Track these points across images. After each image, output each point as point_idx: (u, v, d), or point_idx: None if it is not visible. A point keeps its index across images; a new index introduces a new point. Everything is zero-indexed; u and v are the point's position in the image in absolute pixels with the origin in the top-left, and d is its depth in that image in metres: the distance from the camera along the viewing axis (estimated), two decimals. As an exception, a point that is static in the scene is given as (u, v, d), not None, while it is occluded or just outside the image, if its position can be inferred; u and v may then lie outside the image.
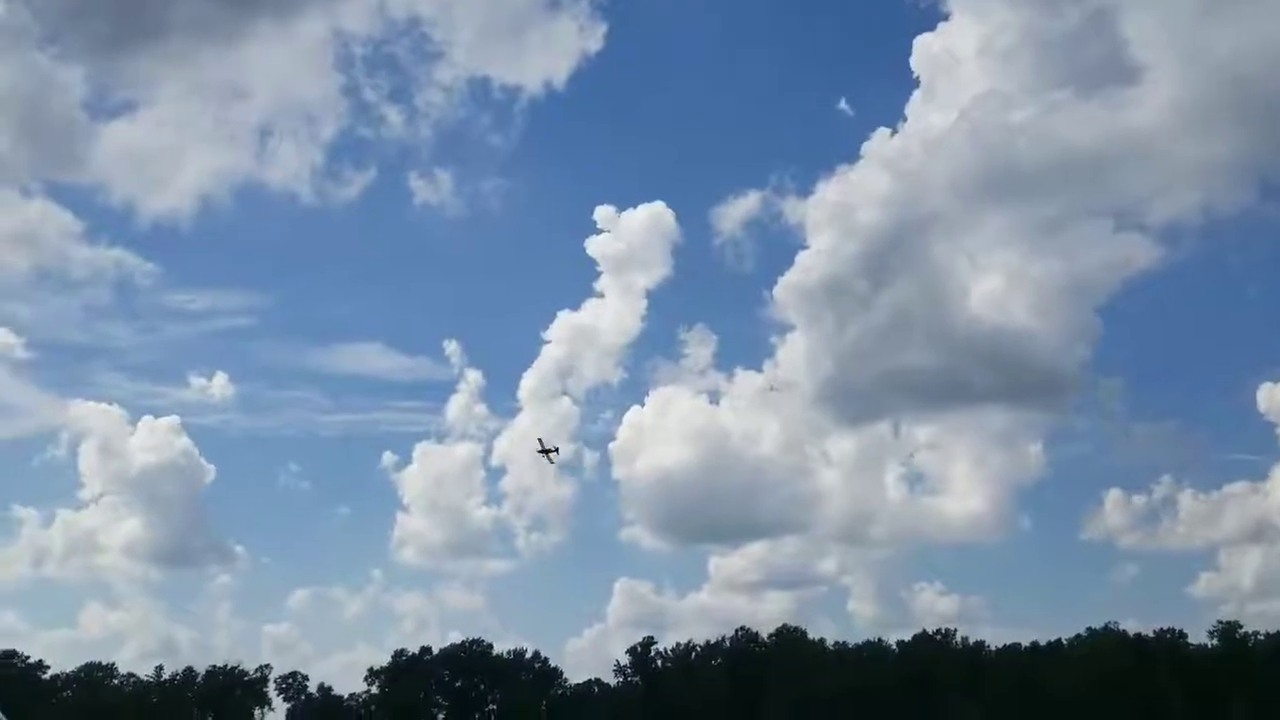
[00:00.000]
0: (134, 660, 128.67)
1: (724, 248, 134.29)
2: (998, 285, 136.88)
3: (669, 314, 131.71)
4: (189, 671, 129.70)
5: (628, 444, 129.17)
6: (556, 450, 67.99)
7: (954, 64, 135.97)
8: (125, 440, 61.33)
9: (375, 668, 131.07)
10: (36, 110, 58.62)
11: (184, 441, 63.61)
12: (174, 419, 64.34)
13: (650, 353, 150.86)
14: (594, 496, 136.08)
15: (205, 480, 67.71)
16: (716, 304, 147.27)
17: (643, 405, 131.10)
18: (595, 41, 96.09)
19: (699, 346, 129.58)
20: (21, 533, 62.40)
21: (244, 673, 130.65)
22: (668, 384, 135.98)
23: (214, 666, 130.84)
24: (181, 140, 75.85)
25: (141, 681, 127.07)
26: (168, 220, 75.22)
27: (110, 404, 64.79)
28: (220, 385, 73.20)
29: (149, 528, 62.74)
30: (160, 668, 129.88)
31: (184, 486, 63.80)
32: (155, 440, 62.47)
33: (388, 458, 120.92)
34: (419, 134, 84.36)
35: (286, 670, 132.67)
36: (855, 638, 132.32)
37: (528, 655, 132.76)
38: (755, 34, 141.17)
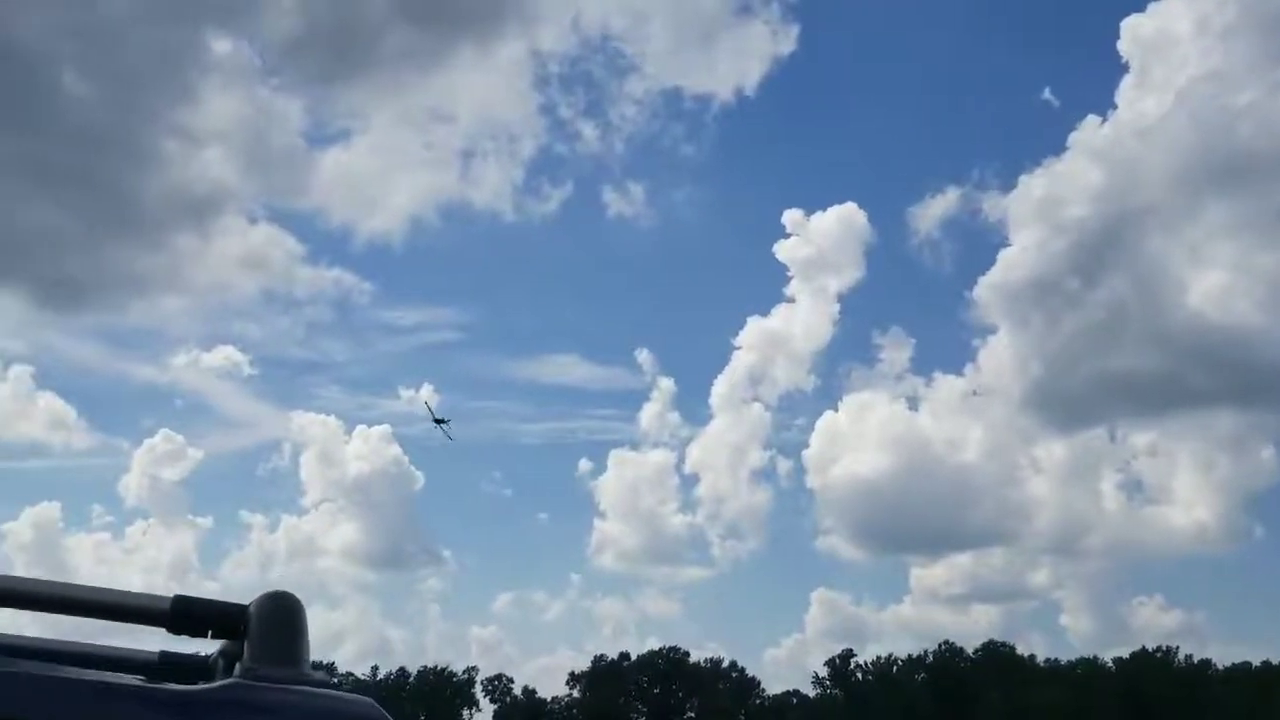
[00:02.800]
0: (352, 659, 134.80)
1: (920, 248, 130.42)
2: (1221, 279, 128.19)
3: (863, 317, 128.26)
4: (402, 671, 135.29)
5: (822, 451, 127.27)
6: (448, 421, 60.71)
7: (1168, 45, 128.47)
8: (341, 449, 64.26)
9: (576, 672, 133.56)
10: (260, 141, 61.43)
11: (394, 450, 66.27)
12: (385, 428, 66.89)
13: (844, 357, 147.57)
14: (788, 505, 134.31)
15: (415, 487, 70.09)
16: (913, 306, 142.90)
17: (837, 411, 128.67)
18: (787, 44, 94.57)
19: (895, 350, 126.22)
20: (250, 538, 65.62)
21: (452, 674, 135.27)
22: (863, 389, 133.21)
23: (425, 667, 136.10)
24: (392, 164, 78.83)
25: (359, 680, 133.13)
26: (381, 240, 78.32)
27: (328, 415, 67.75)
28: (427, 396, 75.35)
29: (364, 532, 65.39)
30: (375, 667, 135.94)
31: (395, 493, 66.12)
32: (369, 449, 65.17)
33: (584, 465, 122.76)
34: (612, 148, 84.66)
35: (492, 672, 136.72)
36: (1068, 654, 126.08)
37: (725, 664, 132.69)
38: (951, 25, 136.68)
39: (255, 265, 66.39)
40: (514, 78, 65.40)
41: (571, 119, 68.46)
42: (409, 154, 68.05)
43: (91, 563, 51.00)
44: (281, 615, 1.85)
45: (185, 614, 1.92)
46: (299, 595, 1.91)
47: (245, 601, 1.92)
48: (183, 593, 1.92)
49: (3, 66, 47.01)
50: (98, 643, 2.40)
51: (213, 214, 61.01)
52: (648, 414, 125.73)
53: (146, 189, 52.35)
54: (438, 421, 55.90)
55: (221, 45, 57.44)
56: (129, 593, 1.94)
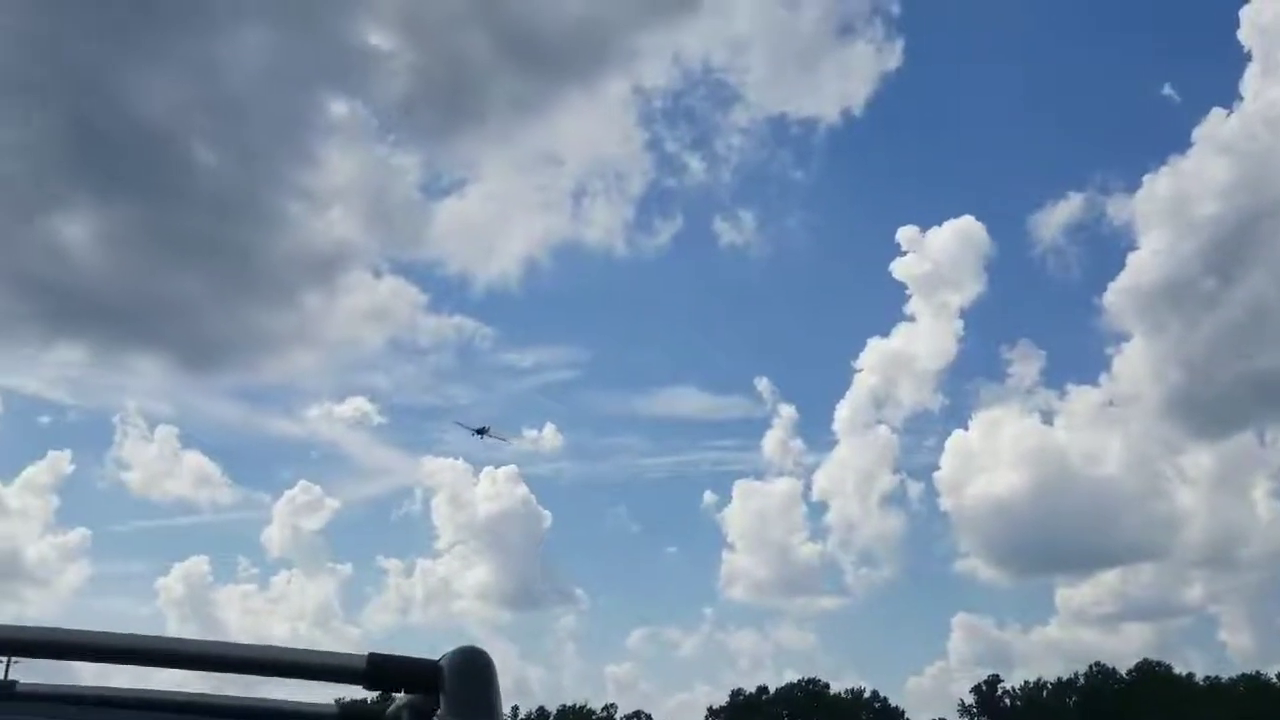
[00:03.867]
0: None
1: (1044, 256, 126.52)
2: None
3: (988, 332, 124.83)
4: (541, 711, 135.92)
5: (954, 471, 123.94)
6: (486, 430, 55.23)
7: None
8: (470, 491, 64.87)
9: (714, 707, 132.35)
10: (380, 197, 63.54)
11: (522, 490, 66.57)
12: (511, 469, 67.24)
13: (970, 374, 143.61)
14: (922, 528, 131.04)
15: (544, 526, 70.23)
16: (1040, 317, 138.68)
17: (967, 430, 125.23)
18: (893, 59, 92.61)
19: (1025, 363, 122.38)
20: (388, 583, 66.85)
21: (591, 711, 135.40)
22: (993, 406, 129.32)
23: (564, 706, 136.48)
24: (506, 210, 79.79)
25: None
26: (499, 285, 79.33)
27: (456, 459, 68.69)
28: (550, 435, 75.79)
29: (497, 573, 65.91)
30: (516, 708, 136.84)
31: (525, 533, 66.46)
32: (496, 490, 65.65)
33: (709, 497, 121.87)
34: (720, 178, 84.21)
35: (630, 709, 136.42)
36: (1229, 671, 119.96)
37: (866, 694, 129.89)
38: (1061, 25, 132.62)
39: (381, 317, 67.75)
40: (619, 116, 65.91)
41: (678, 152, 68.44)
42: (521, 199, 68.90)
43: (239, 614, 52.68)
44: (475, 670, 1.97)
45: (380, 671, 2.00)
46: (438, 637, 2.00)
47: (435, 657, 2.02)
48: (375, 650, 2.01)
49: (139, 144, 49.52)
50: (275, 697, 2.46)
51: (338, 270, 62.86)
52: (770, 442, 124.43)
53: (275, 251, 54.42)
54: (479, 432, 54.14)
55: (339, 108, 59.46)
56: (325, 652, 2.02)
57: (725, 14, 65.19)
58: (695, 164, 68.03)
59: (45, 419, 54.41)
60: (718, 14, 68.62)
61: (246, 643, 2.00)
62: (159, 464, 55.57)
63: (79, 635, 1.92)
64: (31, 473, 50.12)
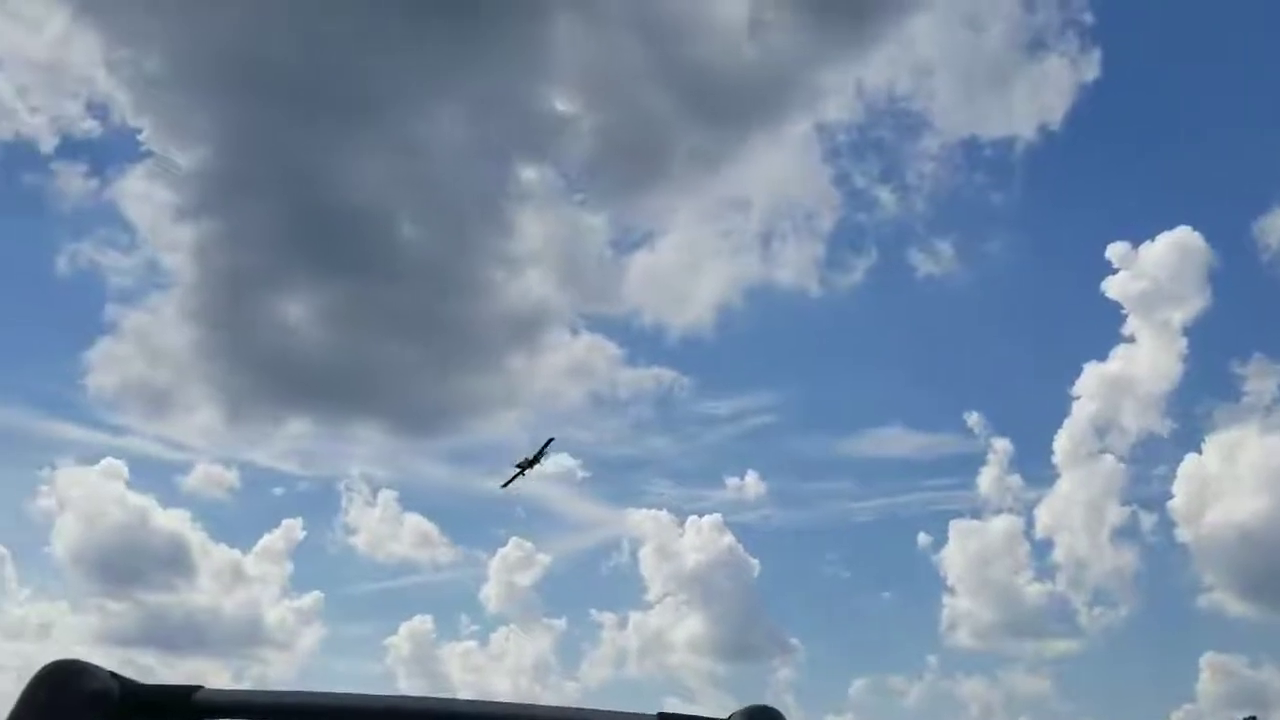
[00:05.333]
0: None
1: (1272, 264, 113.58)
2: None
3: (1216, 348, 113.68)
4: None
5: (1190, 499, 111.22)
6: (535, 461, 49.64)
7: None
8: (677, 542, 62.72)
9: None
10: (572, 255, 63.22)
11: (728, 539, 63.87)
12: (716, 518, 64.60)
13: (1200, 394, 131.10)
14: (1159, 562, 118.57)
15: (753, 575, 67.13)
16: (1273, 329, 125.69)
17: (1200, 454, 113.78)
18: (1091, 70, 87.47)
19: (1261, 379, 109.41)
20: (603, 636, 64.58)
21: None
22: (1228, 427, 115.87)
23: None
24: (695, 259, 78.12)
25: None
26: (693, 334, 77.35)
27: (660, 510, 66.72)
28: (753, 483, 72.76)
29: (708, 624, 62.91)
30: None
31: (734, 582, 63.40)
32: (702, 540, 63.01)
33: (923, 539, 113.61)
34: (914, 208, 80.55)
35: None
36: None
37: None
38: (1271, 17, 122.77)
39: (580, 373, 66.38)
40: (804, 155, 64.37)
41: (867, 186, 66.27)
42: (710, 246, 67.41)
43: (462, 670, 52.31)
44: None
45: None
46: (656, 690, 2.14)
47: (722, 715, 2.08)
48: (665, 711, 2.12)
49: (350, 225, 53.16)
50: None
51: (538, 331, 63.29)
52: (986, 479, 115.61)
53: (480, 316, 56.31)
54: (527, 465, 50.07)
55: (529, 174, 60.56)
56: (615, 712, 2.10)
57: (906, 41, 63.57)
58: (885, 196, 65.72)
59: (278, 490, 56.43)
60: (898, 42, 66.26)
61: (540, 704, 2.11)
62: (382, 527, 55.94)
63: (367, 700, 2.03)
64: (268, 540, 51.12)
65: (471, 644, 58.60)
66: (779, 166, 71.65)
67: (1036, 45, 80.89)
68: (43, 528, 51.75)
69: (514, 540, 60.02)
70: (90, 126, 52.49)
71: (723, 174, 78.88)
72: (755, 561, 72.16)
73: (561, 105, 65.60)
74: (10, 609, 45.78)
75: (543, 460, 47.46)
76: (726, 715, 2.03)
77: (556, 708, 2.05)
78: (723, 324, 75.39)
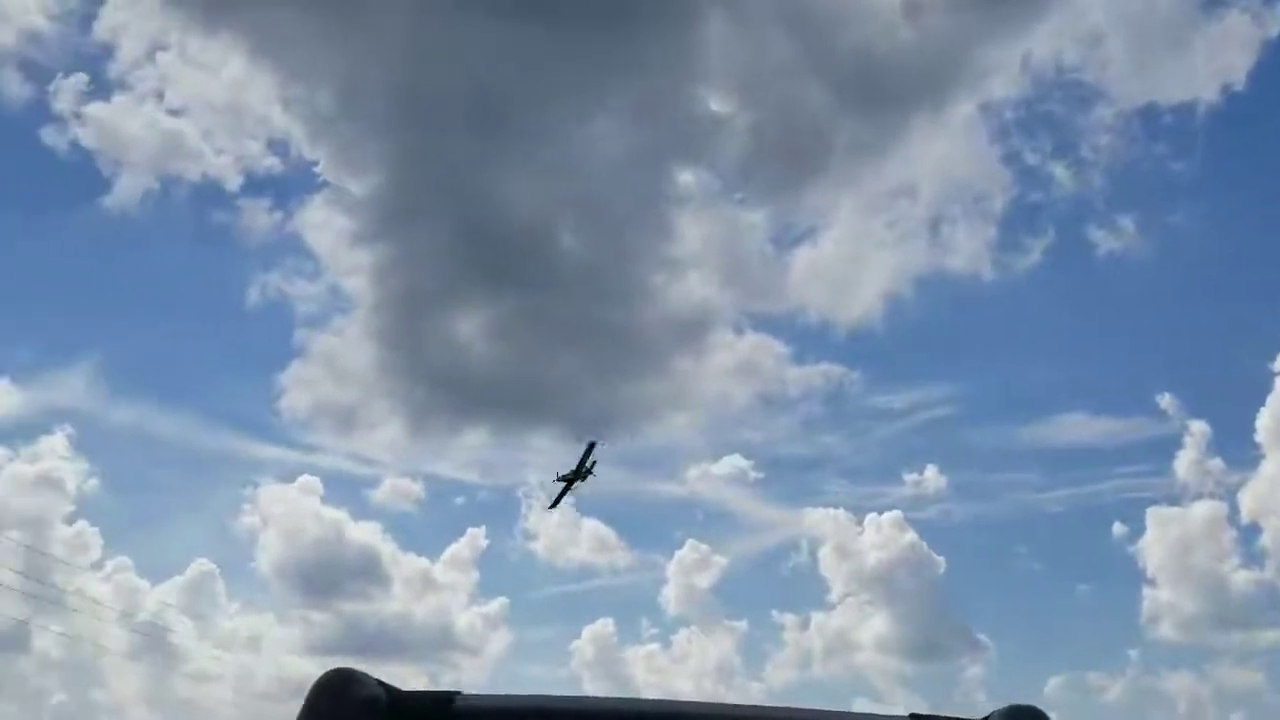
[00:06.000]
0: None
1: None
2: None
3: None
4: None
5: None
6: (582, 471, 43.19)
7: None
8: (856, 541, 61.89)
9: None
10: (733, 254, 63.30)
11: (910, 536, 62.63)
12: (896, 515, 63.40)
13: None
14: None
15: (938, 572, 65.59)
16: None
17: None
18: (1276, 24, 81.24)
19: None
20: (785, 638, 64.58)
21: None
22: None
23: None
24: (860, 251, 76.50)
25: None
26: (862, 328, 75.84)
27: (837, 509, 65.98)
28: (933, 477, 70.88)
29: (893, 623, 61.91)
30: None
31: (918, 580, 62.24)
32: (883, 538, 62.03)
33: (1118, 528, 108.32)
34: (1090, 183, 76.85)
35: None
36: None
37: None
38: None
39: (747, 373, 66.55)
40: (970, 136, 62.67)
41: (1039, 163, 63.82)
42: (875, 237, 66.21)
43: (647, 673, 53.51)
44: None
45: None
46: (839, 690, 2.12)
47: (975, 717, 2.07)
48: (917, 712, 2.09)
49: (515, 241, 55.39)
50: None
51: (703, 333, 63.71)
52: (1183, 464, 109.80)
53: (643, 322, 57.08)
54: (577, 475, 44.70)
55: (686, 176, 61.04)
56: (867, 714, 2.07)
57: (1074, 10, 61.24)
58: (1059, 172, 63.29)
59: (460, 500, 59.14)
60: (1065, 12, 63.99)
61: (790, 706, 2.05)
62: (561, 533, 57.52)
63: (619, 704, 2.03)
64: (454, 549, 53.50)
65: (654, 647, 58.88)
66: (944, 150, 69.43)
67: (1214, 2, 76.59)
68: (248, 544, 54.44)
69: (690, 543, 60.15)
70: (271, 163, 55.11)
71: (885, 162, 76.79)
72: (940, 558, 70.12)
73: (716, 105, 65.18)
74: (222, 622, 48.32)
75: (590, 467, 45.58)
76: (981, 717, 1.98)
77: (811, 710, 2.04)
78: (892, 315, 73.44)
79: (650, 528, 78.39)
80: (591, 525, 59.33)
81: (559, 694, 2.02)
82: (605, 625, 56.94)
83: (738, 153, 62.41)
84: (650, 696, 2.01)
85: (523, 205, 56.16)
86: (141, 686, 47.55)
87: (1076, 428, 78.45)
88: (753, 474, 63.49)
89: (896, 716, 2.00)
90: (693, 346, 69.68)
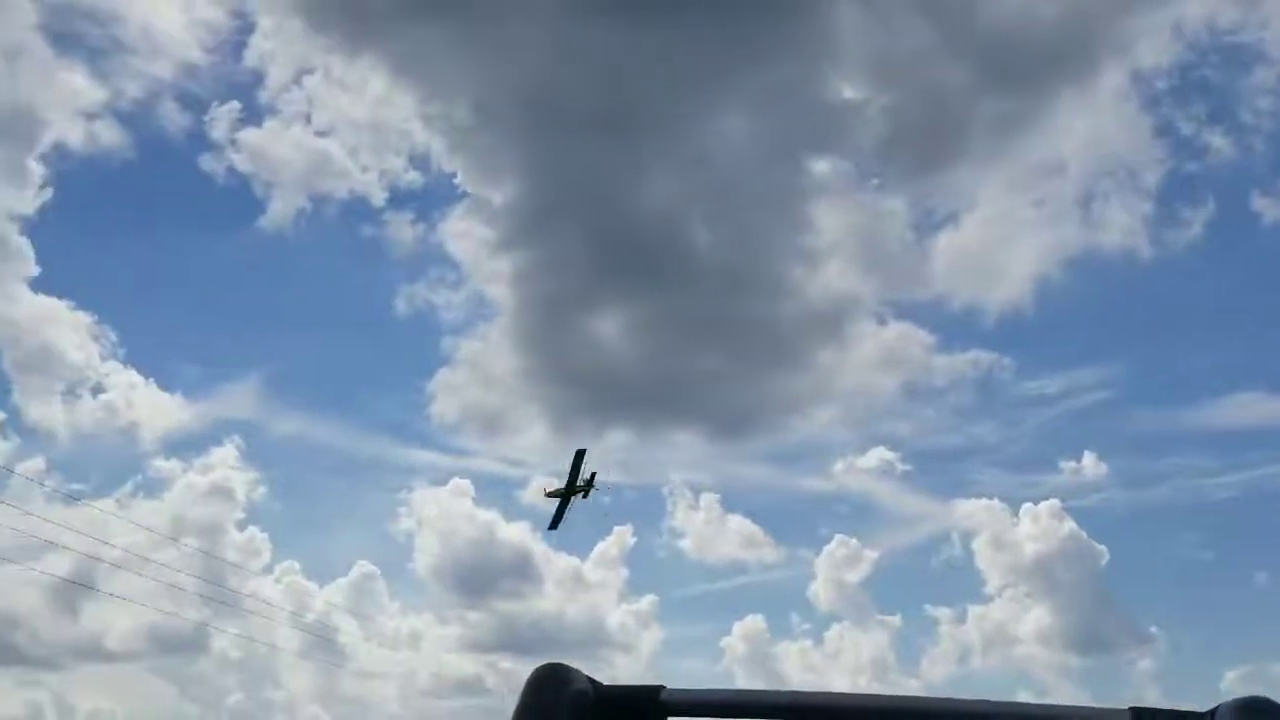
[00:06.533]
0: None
1: None
2: None
3: None
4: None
5: None
6: (575, 486, 41.33)
7: None
8: (1012, 531, 60.65)
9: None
10: (872, 243, 62.55)
11: (1069, 526, 60.94)
12: (1053, 504, 61.87)
13: None
14: None
15: (1100, 562, 63.51)
16: None
17: None
18: None
19: None
20: (940, 631, 63.73)
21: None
22: None
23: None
24: (1006, 233, 74.62)
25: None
26: (1010, 312, 73.90)
27: (990, 499, 64.68)
28: (1091, 464, 68.56)
29: (1055, 615, 60.40)
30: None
31: (1080, 570, 60.49)
32: (1040, 528, 60.61)
33: None
34: (1251, 150, 73.11)
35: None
36: None
37: None
38: None
39: (892, 363, 66.03)
40: (1119, 108, 60.50)
41: (1195, 132, 60.99)
42: (1022, 218, 64.64)
43: (800, 669, 54.07)
44: None
45: None
46: (1000, 684, 2.08)
47: (1201, 709, 1.99)
48: (1136, 705, 2.05)
49: (648, 240, 56.63)
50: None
51: (845, 324, 63.13)
52: None
53: (783, 316, 57.53)
54: (574, 488, 36.53)
55: (820, 165, 61.19)
56: (1086, 707, 2.06)
57: None
58: (1218, 140, 60.45)
59: (606, 498, 60.74)
60: None
61: (1007, 700, 2.03)
62: (708, 530, 58.84)
63: (827, 698, 1.99)
64: (603, 548, 54.84)
65: (806, 643, 58.36)
66: (1093, 123, 66.72)
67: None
68: (405, 546, 56.96)
69: (838, 537, 59.45)
70: (412, 177, 57.42)
71: (1029, 140, 74.50)
72: (1102, 548, 67.51)
73: (849, 92, 64.18)
74: (385, 622, 50.35)
75: (589, 480, 39.33)
76: (1206, 710, 1.94)
77: (1029, 704, 1.98)
78: (1043, 298, 71.02)
79: (797, 523, 77.70)
80: (737, 522, 59.21)
81: (761, 688, 2.05)
82: (755, 621, 56.78)
83: (873, 138, 61.32)
84: (859, 691, 1.92)
85: (657, 204, 56.39)
86: (312, 684, 49.83)
87: (1247, 408, 73.76)
88: (900, 466, 62.38)
89: (1115, 710, 1.97)
90: (834, 338, 68.95)
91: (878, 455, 58.06)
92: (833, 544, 56.68)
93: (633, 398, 58.11)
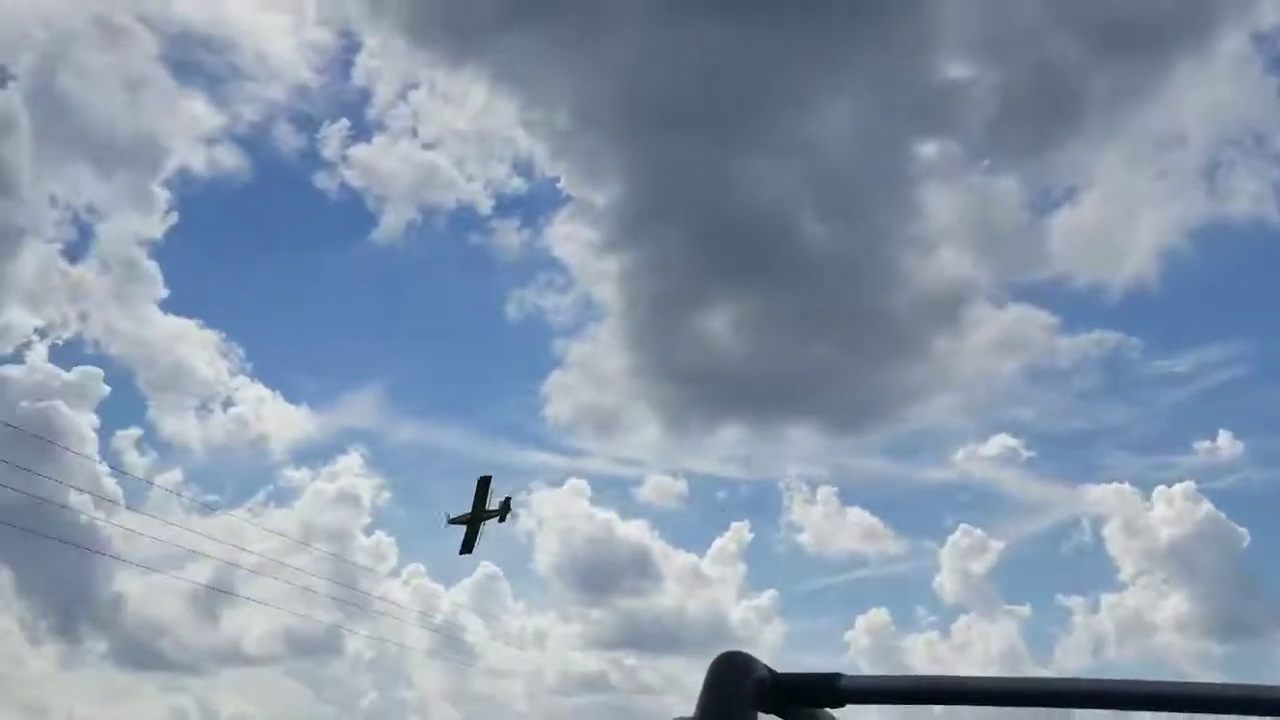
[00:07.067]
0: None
1: None
2: None
3: None
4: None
5: None
6: (499, 513, 39.70)
7: None
8: (1145, 516, 58.86)
9: None
10: (987, 225, 61.12)
11: (1205, 508, 58.75)
12: (1188, 485, 59.80)
13: None
14: None
15: (1240, 545, 61.10)
16: None
17: None
18: None
19: None
20: (1073, 621, 62.38)
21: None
22: None
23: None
24: (1127, 208, 72.00)
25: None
26: (1134, 289, 71.49)
27: (1121, 483, 62.89)
28: (1226, 443, 65.92)
29: (1195, 602, 58.45)
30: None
31: (1220, 554, 58.41)
32: (1175, 512, 58.73)
33: None
34: None
35: None
36: None
37: None
38: None
39: (1012, 347, 64.97)
40: (1241, 72, 58.37)
41: None
42: (1143, 191, 62.73)
43: (927, 661, 54.29)
44: None
45: None
46: (1139, 675, 2.00)
47: None
48: None
49: (755, 233, 56.25)
50: None
51: (961, 309, 62.45)
52: None
53: (896, 304, 56.99)
54: (486, 516, 39.32)
55: (928, 149, 59.80)
56: (1254, 685, 1.92)
57: None
58: None
59: (721, 494, 61.35)
60: None
61: (1210, 682, 1.92)
62: (825, 524, 58.95)
63: (1010, 683, 1.92)
64: (720, 544, 56.31)
65: (932, 635, 57.53)
66: (1214, 90, 63.93)
67: None
68: (527, 547, 57.71)
69: (962, 527, 58.33)
70: (517, 184, 58.32)
71: (1147, 111, 71.63)
72: (1242, 530, 64.82)
73: (955, 72, 62.68)
74: (510, 621, 51.30)
75: (504, 505, 38.12)
76: None
77: (1232, 685, 1.92)
78: (1169, 273, 68.32)
79: (918, 514, 76.28)
80: (856, 514, 58.58)
81: (938, 674, 2.05)
82: (879, 614, 56.16)
83: (982, 118, 59.92)
84: (1038, 675, 1.98)
85: (763, 198, 55.99)
86: (442, 684, 51.02)
87: (1382, 382, 69.45)
88: (1024, 452, 60.77)
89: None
90: (950, 324, 67.45)
91: (1000, 442, 56.94)
92: (957, 534, 55.84)
93: (745, 393, 58.00)
